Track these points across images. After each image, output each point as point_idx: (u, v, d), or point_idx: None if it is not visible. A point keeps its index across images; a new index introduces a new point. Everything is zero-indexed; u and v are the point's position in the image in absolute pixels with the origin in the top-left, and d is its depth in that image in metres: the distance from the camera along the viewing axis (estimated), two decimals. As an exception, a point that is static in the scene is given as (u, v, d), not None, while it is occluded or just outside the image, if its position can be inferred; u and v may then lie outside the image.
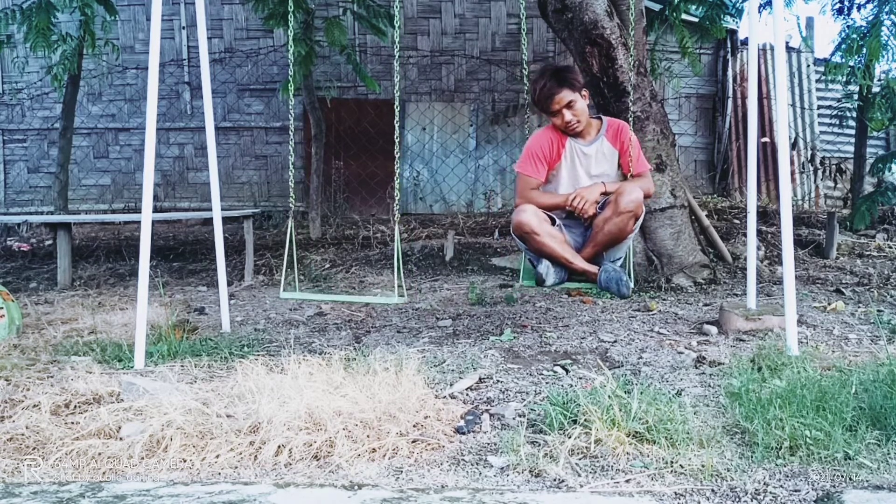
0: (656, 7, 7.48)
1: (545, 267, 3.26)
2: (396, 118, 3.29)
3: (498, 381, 2.91)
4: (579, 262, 3.29)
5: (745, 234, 4.81)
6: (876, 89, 7.14)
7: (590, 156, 3.37)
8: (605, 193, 3.33)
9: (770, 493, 1.84)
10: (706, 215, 6.22)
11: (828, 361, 2.97)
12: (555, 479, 1.95)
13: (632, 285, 3.28)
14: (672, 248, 5.01)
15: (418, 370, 2.77)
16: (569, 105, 3.26)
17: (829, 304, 4.29)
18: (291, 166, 3.42)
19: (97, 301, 4.82)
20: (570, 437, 2.14)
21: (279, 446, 2.14)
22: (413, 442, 2.21)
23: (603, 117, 3.48)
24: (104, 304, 4.69)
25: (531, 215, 3.22)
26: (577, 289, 4.71)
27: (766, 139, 9.04)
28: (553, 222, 3.33)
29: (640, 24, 5.26)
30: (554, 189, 3.46)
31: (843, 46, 6.06)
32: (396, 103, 3.29)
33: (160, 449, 2.17)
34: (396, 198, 3.32)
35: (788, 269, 3.11)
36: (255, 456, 2.13)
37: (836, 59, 6.32)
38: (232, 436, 2.20)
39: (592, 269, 3.29)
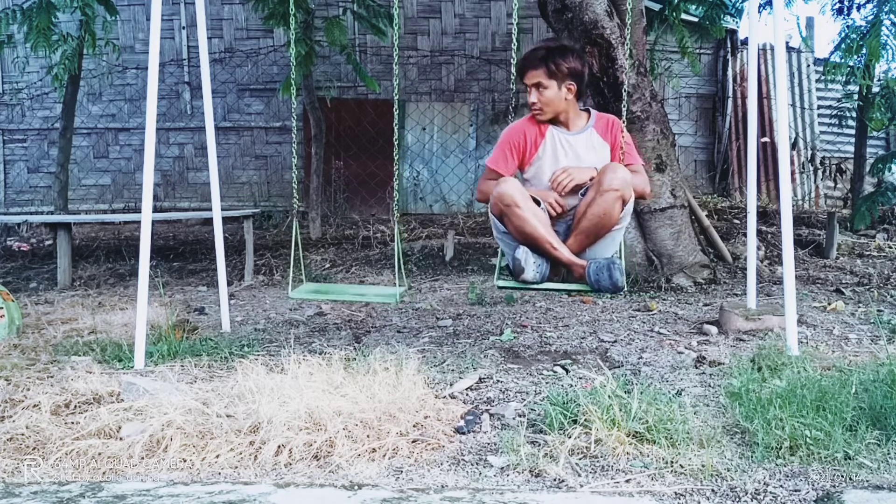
0: (656, 7, 7.48)
1: (523, 253, 2.80)
2: (395, 119, 3.28)
3: (498, 381, 2.91)
4: (564, 252, 2.86)
5: (745, 234, 4.81)
6: (876, 89, 7.14)
7: (576, 146, 3.03)
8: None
9: (770, 493, 1.84)
10: (706, 215, 6.22)
11: (828, 361, 2.97)
12: (555, 479, 1.95)
13: (625, 278, 2.83)
14: (672, 248, 5.01)
15: (418, 370, 2.77)
16: (537, 86, 2.96)
17: (829, 304, 4.29)
18: (294, 166, 3.41)
19: (97, 301, 4.82)
20: (570, 437, 2.14)
21: (279, 446, 2.14)
22: (413, 442, 2.21)
23: (592, 111, 3.16)
24: (104, 304, 4.69)
25: (513, 187, 2.82)
26: (564, 291, 4.11)
27: (766, 139, 9.04)
28: (538, 205, 2.91)
29: (639, 23, 5.26)
30: (537, 182, 3.08)
31: (843, 46, 6.05)
32: (395, 104, 3.27)
33: (160, 449, 2.17)
34: (396, 197, 3.32)
35: (788, 269, 3.11)
36: (255, 456, 2.13)
37: (836, 58, 6.32)
38: (232, 436, 2.20)
39: (579, 261, 2.86)
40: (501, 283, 2.98)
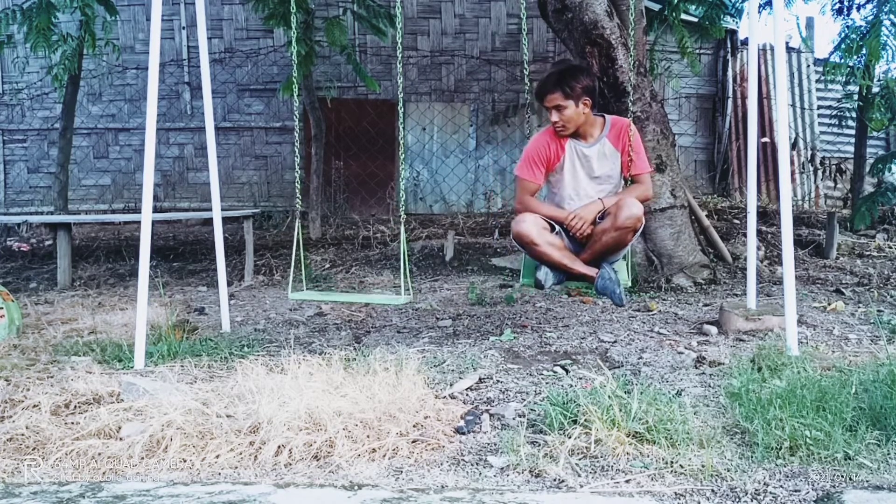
0: (656, 7, 7.48)
1: (544, 273, 3.28)
2: (400, 119, 3.29)
3: (498, 381, 2.91)
4: (578, 267, 3.28)
5: (745, 234, 4.81)
6: (875, 89, 7.14)
7: (590, 157, 3.34)
8: (603, 211, 3.31)
9: (770, 493, 1.84)
10: (706, 215, 6.22)
11: (828, 361, 2.97)
12: (555, 480, 1.95)
13: (625, 296, 3.29)
14: (672, 248, 5.01)
15: (418, 370, 2.77)
16: (557, 108, 3.25)
17: (829, 304, 4.29)
18: (297, 167, 3.41)
19: (97, 301, 4.82)
20: (570, 437, 2.14)
21: (279, 446, 2.14)
22: (413, 442, 2.21)
23: (607, 116, 3.43)
24: (104, 304, 4.69)
25: (531, 225, 3.21)
26: (576, 288, 4.74)
27: (766, 139, 9.04)
28: (552, 228, 3.32)
29: (639, 24, 5.26)
30: (556, 192, 3.43)
31: (843, 46, 6.05)
32: (400, 104, 3.27)
33: (160, 449, 2.17)
34: (402, 199, 3.31)
35: (788, 269, 3.11)
36: (255, 456, 2.13)
37: (836, 58, 6.32)
38: (232, 436, 2.20)
39: (591, 272, 3.27)
40: (526, 281, 3.54)
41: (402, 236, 3.25)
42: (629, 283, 3.38)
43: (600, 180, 3.38)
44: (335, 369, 2.70)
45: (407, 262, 3.14)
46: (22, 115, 9.13)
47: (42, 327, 3.95)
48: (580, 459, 2.06)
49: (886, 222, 7.42)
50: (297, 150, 3.38)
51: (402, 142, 3.25)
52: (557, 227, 3.33)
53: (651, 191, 3.44)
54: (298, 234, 3.24)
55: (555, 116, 3.27)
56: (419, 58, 8.97)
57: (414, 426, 2.31)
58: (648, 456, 2.06)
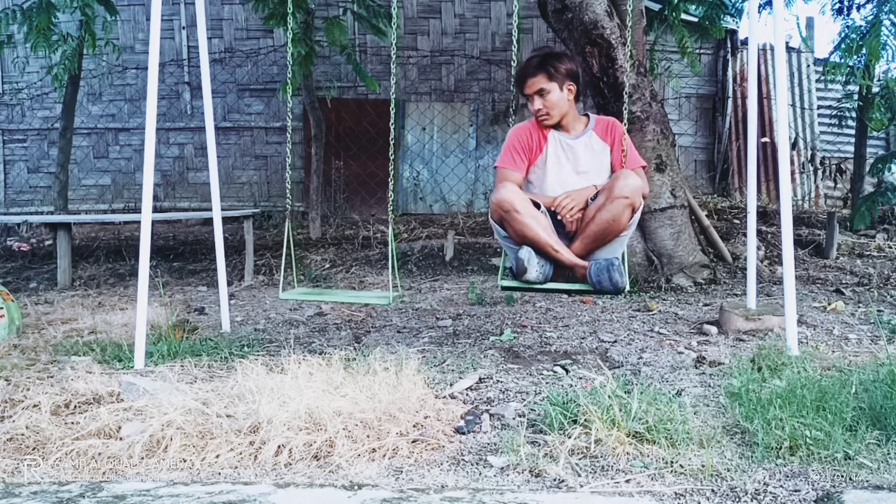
0: (656, 7, 7.49)
1: (526, 253, 2.82)
2: (393, 120, 3.27)
3: (498, 381, 2.91)
4: (566, 253, 2.89)
5: (745, 234, 4.81)
6: (875, 89, 7.14)
7: (576, 149, 3.05)
8: (596, 193, 2.99)
9: (770, 493, 1.84)
10: (706, 215, 6.22)
11: (828, 361, 2.97)
12: (555, 479, 1.95)
13: (626, 278, 2.84)
14: (672, 248, 5.01)
15: (418, 370, 2.77)
16: (539, 92, 3.00)
17: (829, 304, 4.29)
18: (289, 167, 3.40)
19: (97, 301, 4.82)
20: (570, 437, 2.14)
21: (279, 446, 2.14)
22: (413, 442, 2.21)
23: (591, 115, 3.19)
24: (104, 304, 4.69)
25: (512, 192, 2.85)
26: (566, 291, 3.83)
27: (766, 139, 9.04)
28: (538, 208, 2.93)
29: (639, 24, 5.26)
30: (539, 185, 3.10)
31: (843, 46, 6.06)
32: (392, 103, 3.25)
33: (160, 449, 2.17)
34: (390, 198, 3.31)
35: (788, 269, 3.11)
36: (255, 456, 2.13)
37: (836, 58, 6.32)
38: (232, 436, 2.20)
39: (581, 262, 2.88)
40: (505, 283, 2.99)
41: (391, 235, 3.23)
42: (626, 277, 2.94)
43: (588, 176, 3.06)
44: (335, 369, 2.70)
45: (397, 257, 3.12)
46: (22, 115, 9.13)
47: (42, 327, 3.95)
48: (580, 459, 2.06)
49: (886, 222, 7.42)
50: (289, 150, 3.37)
51: (392, 142, 3.19)
52: (543, 208, 2.96)
53: (647, 184, 3.08)
54: (289, 233, 3.23)
55: (537, 103, 3.02)
56: (419, 58, 8.97)
57: (414, 426, 2.31)
58: (648, 456, 2.06)
